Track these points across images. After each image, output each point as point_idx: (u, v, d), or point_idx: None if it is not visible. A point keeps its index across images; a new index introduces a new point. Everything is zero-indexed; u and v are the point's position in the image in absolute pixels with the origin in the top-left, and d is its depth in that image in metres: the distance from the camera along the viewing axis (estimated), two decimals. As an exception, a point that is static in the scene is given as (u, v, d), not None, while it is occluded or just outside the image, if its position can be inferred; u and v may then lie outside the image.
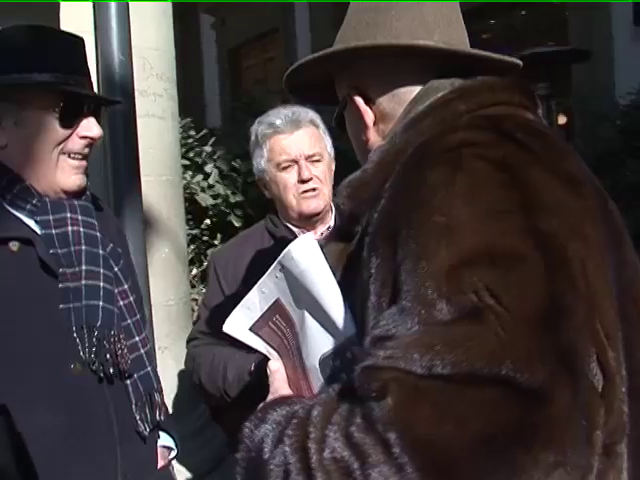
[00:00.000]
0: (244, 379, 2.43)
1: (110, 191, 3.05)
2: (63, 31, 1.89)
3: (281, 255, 1.37)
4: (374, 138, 1.41)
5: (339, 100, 1.51)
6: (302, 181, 2.51)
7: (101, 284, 1.77)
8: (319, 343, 1.34)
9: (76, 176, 1.81)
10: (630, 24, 7.74)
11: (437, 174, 1.13)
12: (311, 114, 2.61)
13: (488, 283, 1.02)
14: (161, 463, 2.00)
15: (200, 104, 11.60)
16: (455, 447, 0.97)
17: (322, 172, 2.56)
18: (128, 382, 1.83)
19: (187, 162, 4.80)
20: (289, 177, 2.53)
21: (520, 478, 0.97)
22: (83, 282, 1.74)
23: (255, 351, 1.50)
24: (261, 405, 1.36)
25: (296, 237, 2.53)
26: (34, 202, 1.76)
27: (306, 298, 1.34)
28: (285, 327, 1.41)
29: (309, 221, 2.58)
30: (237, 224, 4.93)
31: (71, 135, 1.77)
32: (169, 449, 2.07)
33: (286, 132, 2.54)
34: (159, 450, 2.00)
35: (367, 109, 1.40)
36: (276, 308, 1.42)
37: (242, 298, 2.49)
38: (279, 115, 2.58)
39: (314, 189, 2.53)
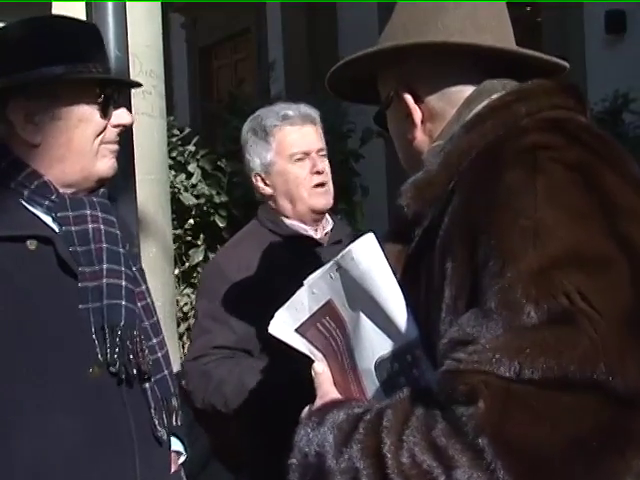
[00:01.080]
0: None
1: (105, 188, 2.99)
2: (80, 19, 1.86)
3: (339, 255, 1.33)
4: (421, 137, 1.39)
5: (376, 98, 1.49)
6: (317, 172, 2.49)
7: (123, 283, 1.72)
8: (375, 346, 1.31)
9: (112, 160, 1.79)
10: (602, 32, 7.85)
11: (515, 176, 1.12)
12: (315, 112, 2.61)
13: (579, 286, 1.01)
14: (173, 468, 1.96)
15: (169, 103, 11.51)
16: (549, 452, 0.97)
17: (328, 168, 2.56)
18: (147, 385, 1.78)
19: (170, 161, 4.75)
20: (301, 170, 2.49)
21: None
22: (105, 281, 1.69)
23: (300, 353, 1.46)
24: (312, 408, 1.33)
25: (307, 233, 2.54)
26: (52, 198, 1.71)
27: (364, 299, 1.31)
28: (335, 328, 1.38)
29: (315, 217, 2.55)
30: (221, 224, 4.89)
31: (107, 124, 1.75)
32: (179, 453, 2.03)
33: (298, 124, 2.52)
34: (172, 455, 1.96)
35: (416, 107, 1.38)
36: (327, 309, 1.38)
37: (255, 302, 2.40)
38: (289, 108, 2.55)
39: (324, 184, 2.51)
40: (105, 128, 1.75)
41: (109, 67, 1.83)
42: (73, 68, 1.69)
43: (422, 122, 1.39)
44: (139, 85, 2.01)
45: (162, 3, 4.33)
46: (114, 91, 1.78)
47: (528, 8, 8.61)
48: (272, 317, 1.45)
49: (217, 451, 3.46)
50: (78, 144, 1.72)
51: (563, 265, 1.03)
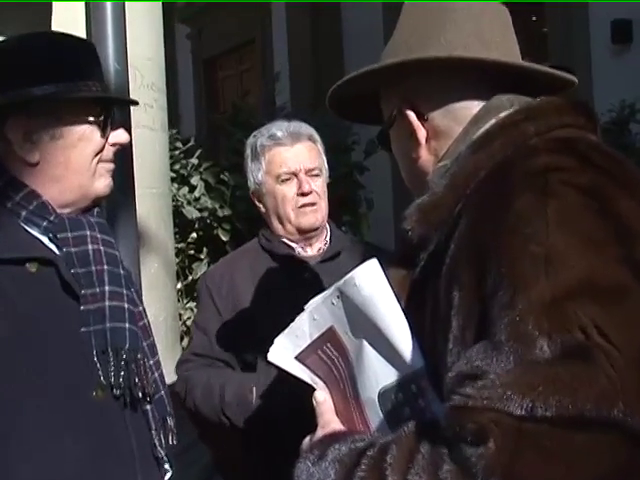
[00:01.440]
0: (245, 398, 2.36)
1: (103, 205, 2.96)
2: (78, 37, 1.84)
3: (341, 281, 1.29)
4: (425, 156, 1.35)
5: (375, 118, 1.45)
6: (302, 194, 2.47)
7: (125, 305, 1.70)
8: (378, 375, 1.26)
9: (109, 179, 1.77)
10: (608, 41, 7.82)
11: (525, 200, 1.07)
12: (310, 129, 2.59)
13: (595, 319, 0.96)
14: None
15: (175, 115, 11.52)
16: None
17: (320, 187, 2.53)
18: (148, 407, 1.75)
19: (173, 174, 4.72)
20: (288, 190, 2.49)
21: None
22: (107, 303, 1.67)
23: (300, 381, 1.42)
24: (314, 439, 1.29)
25: (294, 252, 2.53)
26: (51, 219, 1.67)
27: (367, 327, 1.26)
28: (337, 356, 1.34)
29: (306, 236, 2.54)
30: (224, 238, 4.84)
31: (105, 143, 1.73)
32: (165, 471, 2.01)
33: (287, 144, 2.51)
34: None
35: (420, 125, 1.33)
36: (328, 336, 1.34)
37: (237, 316, 2.46)
38: (280, 127, 2.54)
39: (313, 204, 2.49)
40: (104, 147, 1.73)
41: (106, 85, 1.81)
42: (74, 86, 1.67)
43: (427, 140, 1.34)
44: (136, 103, 2.00)
45: (167, 15, 4.32)
46: (112, 110, 1.75)
47: (534, 18, 8.58)
48: (270, 342, 1.42)
49: (220, 467, 3.44)
50: (76, 163, 1.69)
51: (577, 295, 0.98)
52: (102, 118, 1.71)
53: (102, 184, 1.74)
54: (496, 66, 1.29)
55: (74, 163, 1.69)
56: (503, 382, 0.97)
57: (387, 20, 8.43)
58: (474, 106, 1.30)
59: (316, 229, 2.53)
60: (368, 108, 1.46)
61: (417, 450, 1.04)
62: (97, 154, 1.72)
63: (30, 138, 1.65)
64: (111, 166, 1.78)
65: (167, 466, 1.97)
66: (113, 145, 1.76)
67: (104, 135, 1.72)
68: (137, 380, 1.67)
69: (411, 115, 1.34)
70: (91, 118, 1.70)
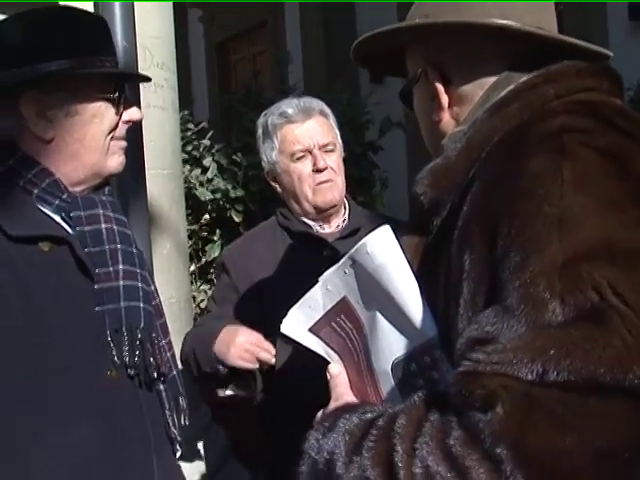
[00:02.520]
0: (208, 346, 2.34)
1: (114, 186, 2.93)
2: (90, 12, 1.81)
3: (353, 249, 1.26)
4: (447, 120, 1.32)
5: (403, 72, 1.42)
6: (318, 170, 2.45)
7: (139, 284, 1.69)
8: (392, 346, 1.23)
9: (122, 157, 1.76)
10: (625, 19, 7.72)
11: (540, 162, 1.03)
12: (321, 103, 2.56)
13: (610, 280, 0.92)
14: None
15: (188, 98, 11.50)
16: (576, 462, 0.88)
17: (335, 162, 2.50)
18: (161, 387, 1.75)
19: (185, 156, 4.69)
20: (303, 167, 2.46)
21: None
22: (121, 283, 1.65)
23: (314, 353, 1.39)
24: (325, 412, 1.27)
25: (311, 230, 2.50)
26: (63, 197, 1.66)
27: (379, 296, 1.23)
28: (351, 328, 1.31)
29: (325, 214, 2.51)
30: (237, 219, 4.81)
31: (119, 121, 1.72)
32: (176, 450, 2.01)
33: (298, 121, 2.48)
34: None
35: (443, 89, 1.30)
36: (341, 307, 1.31)
37: (254, 292, 2.44)
38: (290, 104, 2.52)
39: (329, 180, 2.46)
40: (117, 124, 1.72)
41: (117, 61, 1.79)
42: (89, 61, 1.65)
43: (449, 105, 1.31)
44: (150, 80, 1.97)
45: (177, -3, 4.27)
46: (124, 86, 1.74)
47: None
48: (284, 315, 1.40)
49: (235, 449, 3.43)
50: (91, 140, 1.68)
51: (591, 257, 0.94)
52: (116, 95, 1.69)
53: (115, 162, 1.74)
54: (524, 34, 1.24)
55: (89, 140, 1.68)
56: (513, 346, 0.94)
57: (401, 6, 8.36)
58: (499, 74, 1.27)
59: (334, 206, 2.50)
60: (392, 62, 1.43)
61: (426, 419, 1.02)
62: (111, 131, 1.71)
63: (44, 115, 1.64)
64: (124, 144, 1.77)
65: (177, 446, 1.98)
66: (126, 122, 1.75)
67: (118, 112, 1.71)
68: (152, 359, 1.66)
69: (436, 78, 1.31)
70: (105, 94, 1.68)
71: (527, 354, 0.92)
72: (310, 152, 2.46)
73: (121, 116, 1.72)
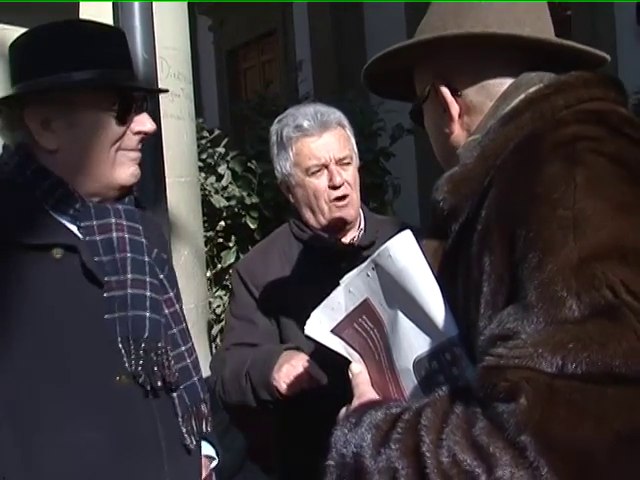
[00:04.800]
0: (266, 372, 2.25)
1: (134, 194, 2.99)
2: (103, 23, 1.82)
3: (375, 253, 1.31)
4: (458, 131, 1.38)
5: (410, 94, 1.47)
6: (334, 187, 2.37)
7: (147, 293, 1.69)
8: (413, 344, 1.29)
9: (133, 168, 1.75)
10: (633, 23, 7.73)
11: (554, 168, 1.09)
12: (338, 114, 2.47)
13: (623, 279, 0.99)
14: (204, 473, 1.94)
15: (199, 106, 11.56)
16: (595, 448, 0.94)
17: (352, 176, 2.43)
18: (174, 395, 1.76)
19: (200, 164, 4.74)
20: (319, 182, 2.38)
21: None
22: (129, 291, 1.67)
23: (336, 354, 1.44)
24: (350, 409, 1.31)
25: (327, 242, 2.44)
26: (77, 207, 1.69)
27: (401, 298, 1.29)
28: (372, 328, 1.36)
29: (339, 228, 2.45)
30: (252, 226, 4.86)
31: (126, 132, 1.72)
32: (210, 458, 2.01)
33: (315, 135, 2.38)
34: (202, 460, 1.94)
35: (453, 100, 1.36)
36: (363, 308, 1.36)
37: (273, 306, 2.44)
38: (306, 116, 2.42)
39: (345, 196, 2.39)
40: (123, 135, 1.72)
41: (133, 72, 1.80)
42: (91, 74, 1.66)
43: (459, 116, 1.37)
44: (160, 91, 1.99)
45: (189, 5, 4.33)
46: (137, 97, 1.74)
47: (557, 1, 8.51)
48: (307, 317, 1.44)
49: (252, 452, 3.45)
50: (93, 152, 1.69)
51: (605, 257, 1.01)
52: (118, 106, 1.69)
53: (124, 173, 1.73)
54: (530, 42, 1.30)
55: (91, 152, 1.68)
56: (534, 341, 1.00)
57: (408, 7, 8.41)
58: (507, 82, 1.33)
59: (350, 223, 2.45)
60: (400, 85, 1.48)
61: (451, 411, 1.07)
62: (115, 142, 1.70)
63: (48, 126, 1.66)
64: (134, 155, 1.75)
65: (212, 453, 1.98)
66: (137, 133, 1.74)
67: (123, 123, 1.70)
68: (156, 369, 1.67)
69: (445, 91, 1.36)
70: (106, 106, 1.68)
71: (547, 348, 0.98)
72: (326, 167, 2.37)
73: (128, 127, 1.72)
